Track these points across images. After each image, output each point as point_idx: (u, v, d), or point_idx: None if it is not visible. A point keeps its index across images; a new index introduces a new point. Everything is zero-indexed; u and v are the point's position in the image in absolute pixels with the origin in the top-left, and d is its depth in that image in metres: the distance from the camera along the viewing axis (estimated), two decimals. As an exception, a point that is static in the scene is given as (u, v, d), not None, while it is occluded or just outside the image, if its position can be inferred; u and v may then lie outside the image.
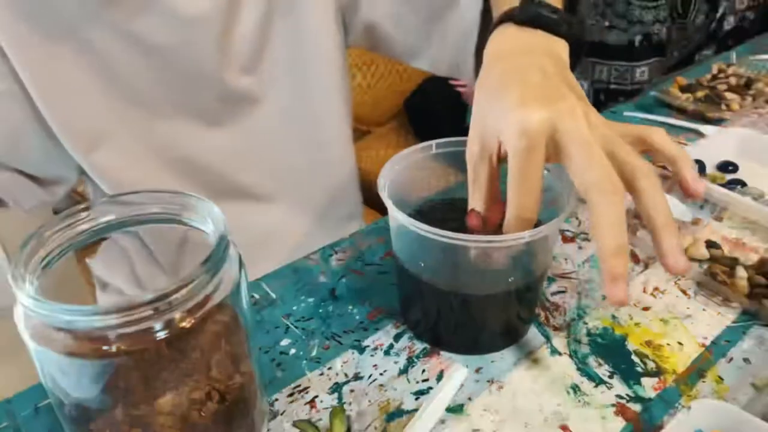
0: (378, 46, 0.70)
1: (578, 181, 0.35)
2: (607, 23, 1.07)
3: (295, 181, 0.71)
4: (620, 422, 0.41)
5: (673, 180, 0.40)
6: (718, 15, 1.15)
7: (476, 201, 0.42)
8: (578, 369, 0.45)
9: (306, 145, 0.69)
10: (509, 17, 0.46)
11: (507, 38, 0.45)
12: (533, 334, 0.48)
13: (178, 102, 0.61)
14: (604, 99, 1.14)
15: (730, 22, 1.19)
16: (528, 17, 0.45)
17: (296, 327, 0.49)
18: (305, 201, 0.73)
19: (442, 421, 0.41)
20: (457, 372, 0.43)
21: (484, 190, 0.41)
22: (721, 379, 0.44)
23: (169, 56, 0.58)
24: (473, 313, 0.45)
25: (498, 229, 0.40)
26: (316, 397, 0.43)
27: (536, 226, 0.39)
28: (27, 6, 0.52)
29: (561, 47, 0.44)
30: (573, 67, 0.46)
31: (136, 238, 0.68)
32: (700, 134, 0.78)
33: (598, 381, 0.44)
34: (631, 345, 0.47)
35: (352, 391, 0.44)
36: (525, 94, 0.37)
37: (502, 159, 0.40)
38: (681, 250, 0.35)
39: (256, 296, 0.53)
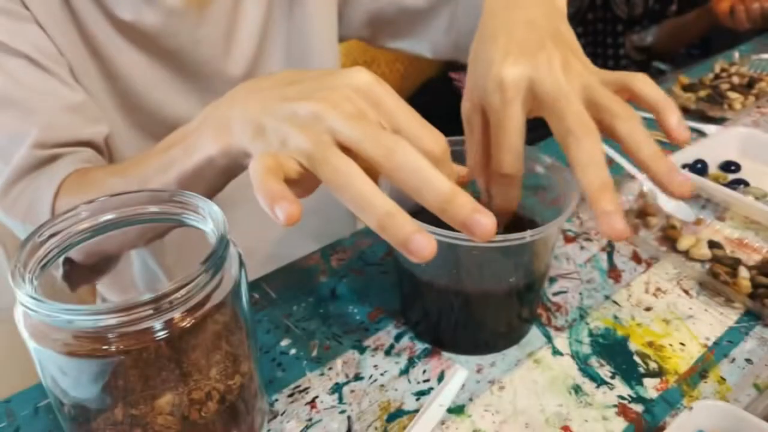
0: (378, 35, 0.70)
1: (555, 131, 0.36)
2: None
3: None
4: (622, 423, 0.41)
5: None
6: None
7: (470, 157, 0.42)
8: (580, 369, 0.45)
9: None
10: None
11: None
12: (534, 334, 0.48)
13: (183, 102, 0.61)
14: None
15: None
16: None
17: (296, 327, 0.49)
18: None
19: (443, 422, 0.41)
20: (458, 372, 0.43)
21: (477, 146, 0.41)
22: (724, 379, 0.44)
23: (180, 56, 0.58)
24: (474, 313, 0.45)
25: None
26: (317, 397, 0.43)
27: (537, 226, 0.39)
28: (66, 31, 0.53)
29: None
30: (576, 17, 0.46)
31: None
32: (703, 134, 0.78)
33: (599, 381, 0.44)
34: (633, 345, 0.47)
35: (352, 391, 0.43)
36: (506, 49, 0.38)
37: None
38: (677, 169, 0.35)
39: (256, 296, 0.53)
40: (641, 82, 0.39)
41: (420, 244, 0.29)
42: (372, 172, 0.31)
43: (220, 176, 0.38)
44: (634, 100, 0.40)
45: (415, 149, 0.31)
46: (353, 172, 0.30)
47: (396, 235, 0.29)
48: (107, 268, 0.51)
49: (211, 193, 0.40)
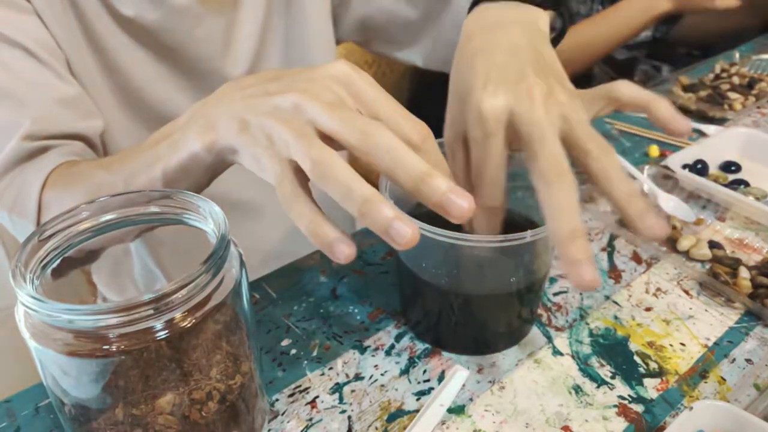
0: (370, 40, 0.70)
1: (530, 167, 0.35)
2: None
3: None
4: (622, 423, 0.41)
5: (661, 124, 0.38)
6: None
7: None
8: (580, 369, 0.45)
9: None
10: None
11: (481, 14, 0.44)
12: (535, 334, 0.48)
13: (182, 98, 0.61)
14: None
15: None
16: None
17: (297, 327, 0.49)
18: None
19: (443, 422, 0.41)
20: (458, 372, 0.43)
21: (461, 174, 0.41)
22: (724, 379, 0.44)
23: (179, 54, 0.58)
24: (475, 314, 0.45)
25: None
26: (317, 397, 0.43)
27: (537, 226, 0.39)
28: (70, 24, 0.53)
29: (539, 17, 0.43)
30: (559, 38, 0.45)
31: (134, 252, 0.66)
32: (703, 134, 0.78)
33: (600, 382, 0.44)
34: (633, 345, 0.47)
35: (353, 391, 0.43)
36: (485, 75, 0.37)
37: None
38: (651, 212, 0.34)
39: (257, 296, 0.53)
40: (624, 87, 0.39)
41: (400, 230, 0.28)
42: (368, 173, 0.31)
43: (205, 172, 0.38)
44: (623, 107, 0.39)
45: (391, 132, 0.30)
46: (334, 161, 0.30)
47: (376, 221, 0.29)
48: (91, 261, 0.51)
49: (196, 190, 0.40)
